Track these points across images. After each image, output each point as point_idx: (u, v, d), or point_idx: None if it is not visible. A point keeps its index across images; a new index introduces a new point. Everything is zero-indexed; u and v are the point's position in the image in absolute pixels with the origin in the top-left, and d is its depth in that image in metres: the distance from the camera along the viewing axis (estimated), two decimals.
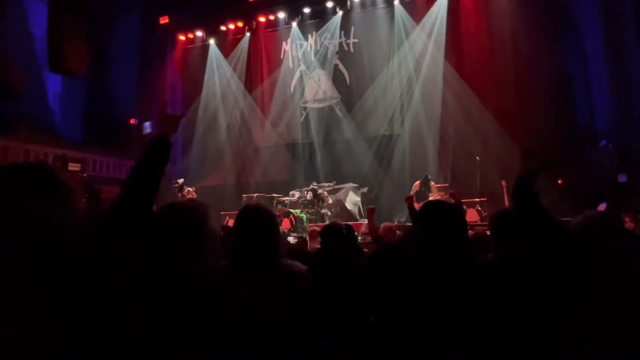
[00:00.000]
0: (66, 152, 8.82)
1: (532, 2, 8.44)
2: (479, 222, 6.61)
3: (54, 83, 9.94)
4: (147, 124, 9.67)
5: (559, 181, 7.88)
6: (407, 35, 9.60)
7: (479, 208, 7.51)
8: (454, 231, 1.46)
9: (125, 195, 1.27)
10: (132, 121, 10.30)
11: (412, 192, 7.80)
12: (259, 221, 1.42)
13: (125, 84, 10.36)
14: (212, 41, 11.27)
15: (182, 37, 11.46)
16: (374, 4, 10.05)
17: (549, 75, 8.17)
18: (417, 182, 7.86)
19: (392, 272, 1.18)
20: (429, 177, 7.79)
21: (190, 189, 9.34)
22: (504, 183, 7.51)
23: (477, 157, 7.54)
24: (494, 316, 1.34)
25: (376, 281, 1.20)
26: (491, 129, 8.53)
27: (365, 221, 7.72)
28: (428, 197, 7.45)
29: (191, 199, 7.28)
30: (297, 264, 1.50)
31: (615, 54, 7.43)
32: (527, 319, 1.32)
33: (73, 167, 8.61)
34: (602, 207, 6.39)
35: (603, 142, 7.57)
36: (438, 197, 7.50)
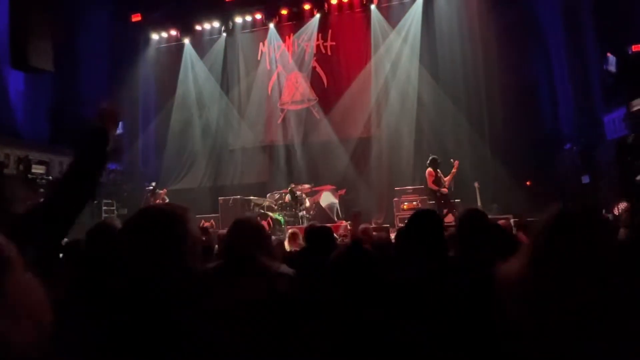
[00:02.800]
0: (29, 153, 8.38)
1: (502, 11, 8.78)
2: (453, 223, 6.72)
3: (16, 80, 9.40)
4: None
5: (527, 183, 8.23)
6: (384, 39, 9.76)
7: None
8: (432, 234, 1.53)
9: (58, 191, 1.21)
10: None
11: (430, 182, 7.02)
12: (250, 235, 1.48)
13: (94, 82, 9.93)
14: (186, 40, 11.04)
15: (155, 36, 11.16)
16: (351, 7, 10.15)
17: (517, 81, 8.52)
18: (430, 169, 7.09)
19: (352, 271, 1.19)
20: (437, 159, 7.19)
21: (161, 191, 9.04)
22: (476, 184, 7.75)
23: (452, 160, 7.74)
24: (463, 313, 1.37)
25: (337, 281, 1.21)
26: (464, 132, 8.80)
27: (343, 222, 7.76)
28: (444, 182, 6.97)
29: (168, 203, 7.06)
30: (285, 266, 1.50)
31: (578, 62, 7.84)
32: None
33: (37, 169, 8.19)
34: None
35: (568, 146, 7.95)
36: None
